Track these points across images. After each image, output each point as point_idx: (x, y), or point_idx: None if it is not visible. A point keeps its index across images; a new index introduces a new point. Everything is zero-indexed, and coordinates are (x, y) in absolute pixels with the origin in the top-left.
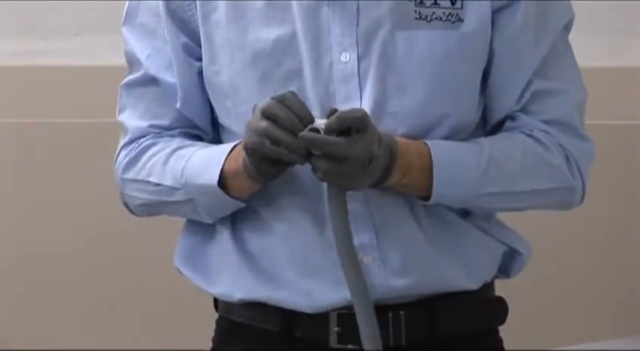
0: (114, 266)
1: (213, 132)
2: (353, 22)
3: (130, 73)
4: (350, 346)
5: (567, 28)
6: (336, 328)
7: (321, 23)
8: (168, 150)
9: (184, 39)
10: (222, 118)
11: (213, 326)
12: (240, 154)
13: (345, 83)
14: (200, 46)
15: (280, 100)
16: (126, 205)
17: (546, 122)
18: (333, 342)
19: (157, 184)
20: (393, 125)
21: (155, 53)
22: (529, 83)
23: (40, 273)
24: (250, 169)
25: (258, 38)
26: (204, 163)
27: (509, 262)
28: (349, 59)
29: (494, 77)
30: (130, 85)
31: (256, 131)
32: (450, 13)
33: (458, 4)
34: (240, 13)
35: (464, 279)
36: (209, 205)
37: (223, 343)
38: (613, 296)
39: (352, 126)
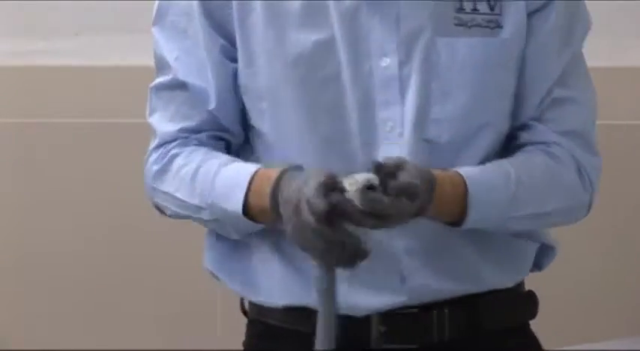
0: (114, 266)
1: (242, 135)
2: (393, 27)
3: (159, 75)
4: (394, 346)
5: (584, 36)
6: (381, 327)
7: (360, 27)
8: (193, 165)
9: (221, 41)
10: (255, 120)
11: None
12: (265, 191)
13: (385, 88)
14: (235, 47)
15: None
16: (157, 208)
17: (561, 134)
18: (376, 342)
19: (184, 201)
20: (436, 132)
21: (184, 55)
22: (550, 90)
23: (40, 273)
24: (282, 226)
25: (296, 42)
26: (228, 187)
27: (541, 257)
28: (389, 64)
29: (520, 82)
30: (159, 88)
31: (312, 247)
32: (489, 19)
33: (497, 10)
34: (277, 16)
35: (501, 278)
36: (235, 226)
37: (257, 346)
38: (621, 296)
39: (405, 192)
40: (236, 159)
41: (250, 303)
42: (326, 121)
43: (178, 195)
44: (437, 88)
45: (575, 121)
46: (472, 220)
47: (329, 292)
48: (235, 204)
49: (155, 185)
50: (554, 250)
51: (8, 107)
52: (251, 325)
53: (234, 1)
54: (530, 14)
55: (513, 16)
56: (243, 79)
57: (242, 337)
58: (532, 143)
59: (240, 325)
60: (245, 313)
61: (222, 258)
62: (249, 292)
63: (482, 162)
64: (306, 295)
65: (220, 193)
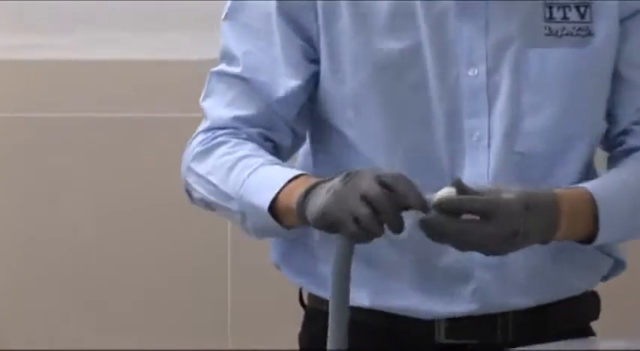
0: (114, 263)
1: (291, 140)
2: (482, 35)
3: (223, 63)
4: (459, 341)
5: None
6: (445, 324)
7: (448, 34)
8: (238, 154)
9: (300, 41)
10: (342, 127)
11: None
12: (296, 193)
13: (472, 98)
14: (314, 49)
15: (391, 191)
16: (187, 192)
17: None
18: (438, 337)
19: (216, 186)
20: (527, 144)
21: (254, 53)
22: None
23: (40, 270)
24: (307, 221)
25: (384, 49)
26: (264, 182)
27: (612, 272)
28: (477, 73)
29: (618, 87)
30: (222, 74)
31: (349, 213)
32: (580, 28)
33: (587, 17)
34: (365, 22)
35: (573, 289)
36: (258, 224)
37: (317, 335)
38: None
39: (472, 212)
40: (282, 163)
41: (310, 294)
42: (412, 130)
43: (211, 178)
44: (527, 99)
45: None
46: (602, 237)
47: (345, 275)
48: (264, 200)
49: (192, 165)
50: (625, 264)
51: (6, 102)
52: (311, 315)
53: (319, 5)
54: (624, 20)
55: (605, 23)
56: (327, 86)
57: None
58: (639, 148)
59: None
60: (303, 304)
61: (285, 251)
62: (321, 289)
63: (575, 173)
64: (377, 299)
65: (253, 187)
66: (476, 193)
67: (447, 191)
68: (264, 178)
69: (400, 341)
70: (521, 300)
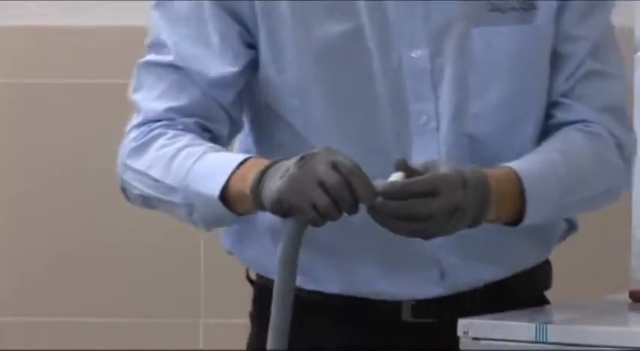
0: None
1: (228, 128)
2: (422, 15)
3: (152, 53)
4: (424, 320)
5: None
6: (412, 303)
7: (388, 16)
8: (178, 145)
9: (237, 27)
10: (286, 114)
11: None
12: (249, 178)
13: (416, 81)
14: (252, 35)
15: (346, 179)
16: (123, 190)
17: (598, 110)
18: (406, 316)
19: (157, 180)
20: (476, 126)
21: (186, 40)
22: (582, 63)
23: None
24: (263, 207)
25: (323, 33)
26: (211, 169)
27: (565, 235)
28: (420, 56)
29: (550, 58)
30: (151, 65)
31: (307, 200)
32: (523, 1)
33: None
34: (303, 6)
35: (533, 258)
36: (207, 214)
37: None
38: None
39: (420, 193)
40: (225, 150)
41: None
42: (358, 115)
43: (151, 172)
44: (474, 81)
45: (611, 96)
46: (529, 217)
47: (293, 259)
48: (213, 188)
49: (129, 162)
50: (577, 227)
51: None
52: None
53: None
54: None
55: None
56: (269, 74)
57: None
58: (569, 122)
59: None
60: (251, 280)
61: (239, 239)
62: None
63: (525, 153)
64: (340, 285)
65: (199, 175)
66: (421, 173)
67: (395, 178)
68: (210, 165)
69: (366, 320)
70: (485, 276)
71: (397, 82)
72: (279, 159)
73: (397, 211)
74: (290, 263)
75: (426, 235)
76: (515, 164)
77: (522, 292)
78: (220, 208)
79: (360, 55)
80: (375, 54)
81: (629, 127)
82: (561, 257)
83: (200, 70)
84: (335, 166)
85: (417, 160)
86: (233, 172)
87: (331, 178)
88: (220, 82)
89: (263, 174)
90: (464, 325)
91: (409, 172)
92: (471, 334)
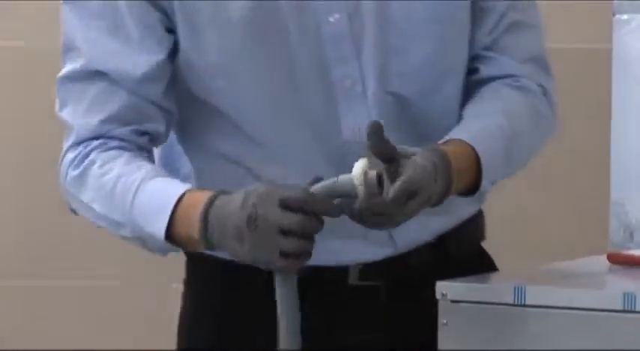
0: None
1: (164, 123)
2: None
3: (67, 61)
4: (370, 283)
5: None
6: (359, 267)
7: None
8: (112, 175)
9: (156, 13)
10: (210, 98)
11: None
12: (193, 223)
13: (337, 44)
14: (169, 20)
15: (302, 211)
16: (73, 211)
17: (523, 61)
18: (353, 279)
19: (103, 215)
20: (401, 85)
21: (101, 37)
22: (503, 15)
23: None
24: (221, 251)
25: (238, 9)
26: (151, 209)
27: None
28: (338, 19)
29: (472, 13)
30: (70, 78)
31: (274, 253)
32: None
33: None
34: None
35: (474, 207)
36: (159, 247)
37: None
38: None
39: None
40: (159, 171)
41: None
42: (283, 88)
43: (96, 207)
44: (396, 41)
45: (533, 46)
46: (483, 186)
47: (293, 296)
48: (158, 229)
49: (72, 191)
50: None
51: None
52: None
53: None
54: None
55: None
56: (190, 58)
57: None
58: (495, 77)
59: None
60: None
61: None
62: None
63: (452, 111)
64: None
65: (142, 213)
66: (391, 150)
67: (361, 166)
68: (148, 202)
69: (312, 285)
70: (434, 228)
71: (318, 49)
72: (214, 198)
73: (376, 217)
74: (294, 319)
75: (392, 226)
76: (468, 137)
77: (461, 246)
78: (170, 246)
79: (277, 25)
80: (293, 23)
81: (550, 73)
82: (540, 220)
83: (124, 70)
84: (285, 205)
85: (346, 124)
86: (173, 214)
87: (287, 220)
88: (148, 77)
89: (207, 223)
90: (442, 287)
91: (379, 151)
92: (450, 296)
